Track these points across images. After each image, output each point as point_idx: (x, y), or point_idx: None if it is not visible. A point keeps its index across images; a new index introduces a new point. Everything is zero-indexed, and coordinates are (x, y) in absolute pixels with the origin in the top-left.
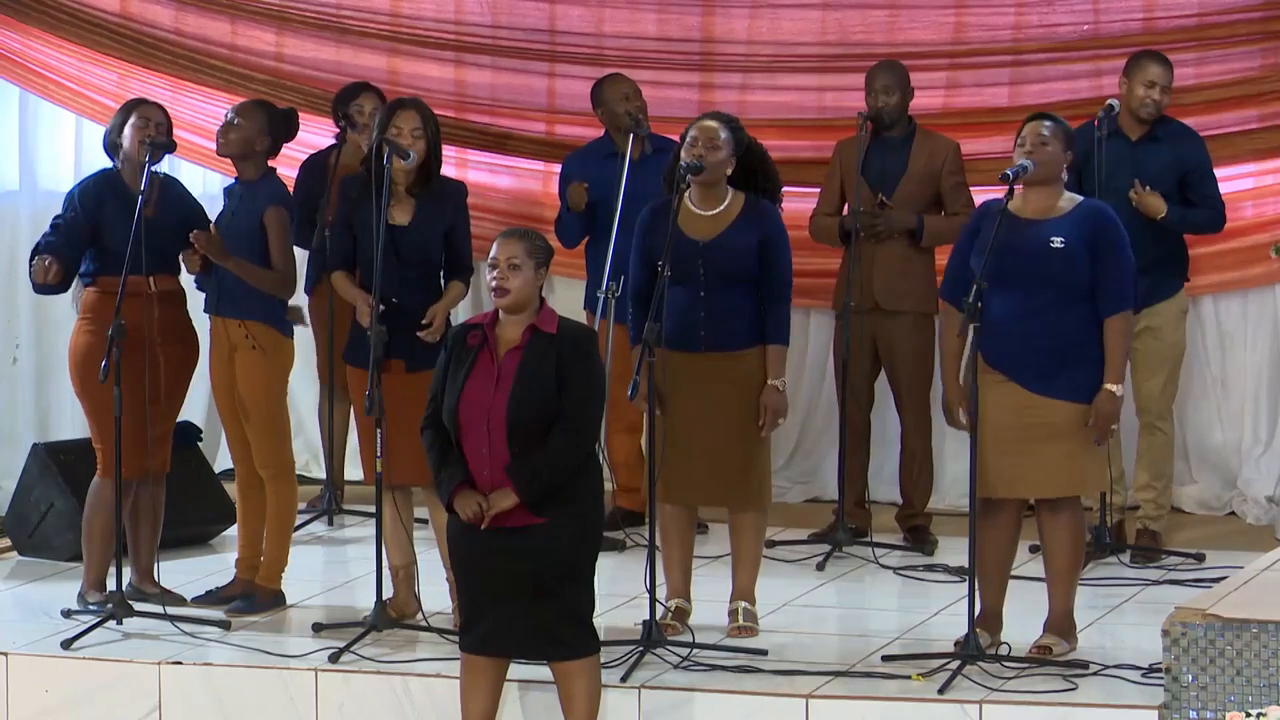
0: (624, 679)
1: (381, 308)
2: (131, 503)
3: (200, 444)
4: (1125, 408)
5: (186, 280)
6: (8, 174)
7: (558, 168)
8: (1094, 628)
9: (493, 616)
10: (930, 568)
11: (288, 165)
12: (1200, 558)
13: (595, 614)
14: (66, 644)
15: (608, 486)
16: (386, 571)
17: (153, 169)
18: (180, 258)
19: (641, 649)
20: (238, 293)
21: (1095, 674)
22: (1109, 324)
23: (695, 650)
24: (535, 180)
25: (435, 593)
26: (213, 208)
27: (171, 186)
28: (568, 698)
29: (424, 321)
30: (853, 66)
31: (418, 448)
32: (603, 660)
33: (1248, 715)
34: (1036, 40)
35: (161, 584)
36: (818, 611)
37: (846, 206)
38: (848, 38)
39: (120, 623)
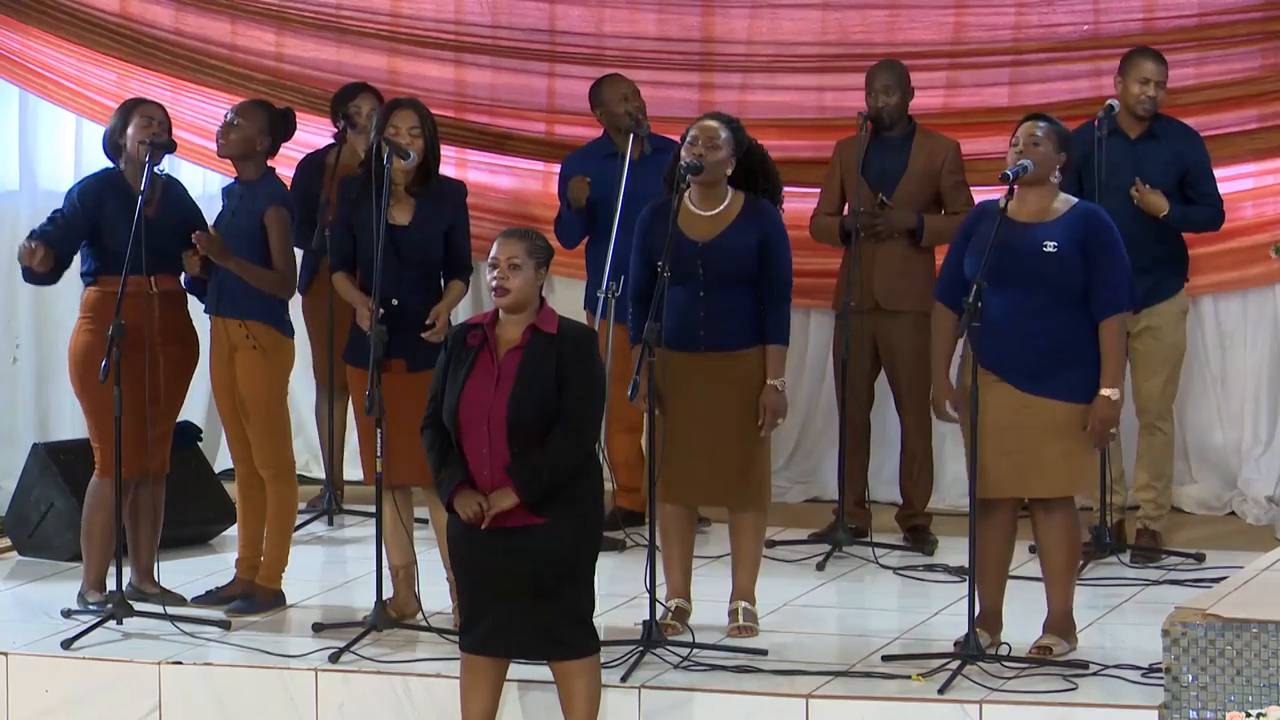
0: (624, 679)
1: (381, 310)
2: (131, 502)
3: (200, 444)
4: (1125, 408)
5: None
6: (8, 174)
7: (557, 168)
8: (1094, 628)
9: (493, 616)
10: (930, 568)
11: (284, 165)
12: (1200, 558)
13: (595, 614)
14: (66, 644)
15: (608, 486)
16: (386, 571)
17: (154, 169)
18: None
19: (641, 649)
20: (238, 293)
21: (1095, 674)
22: (1103, 327)
23: (695, 650)
24: (535, 180)
25: (435, 593)
26: (212, 208)
27: (172, 187)
28: (568, 698)
29: (428, 321)
30: (853, 66)
31: (418, 448)
32: (603, 660)
33: (1248, 715)
34: (1036, 40)
35: (161, 584)
36: (818, 611)
37: (846, 206)
38: (848, 38)
39: (120, 623)
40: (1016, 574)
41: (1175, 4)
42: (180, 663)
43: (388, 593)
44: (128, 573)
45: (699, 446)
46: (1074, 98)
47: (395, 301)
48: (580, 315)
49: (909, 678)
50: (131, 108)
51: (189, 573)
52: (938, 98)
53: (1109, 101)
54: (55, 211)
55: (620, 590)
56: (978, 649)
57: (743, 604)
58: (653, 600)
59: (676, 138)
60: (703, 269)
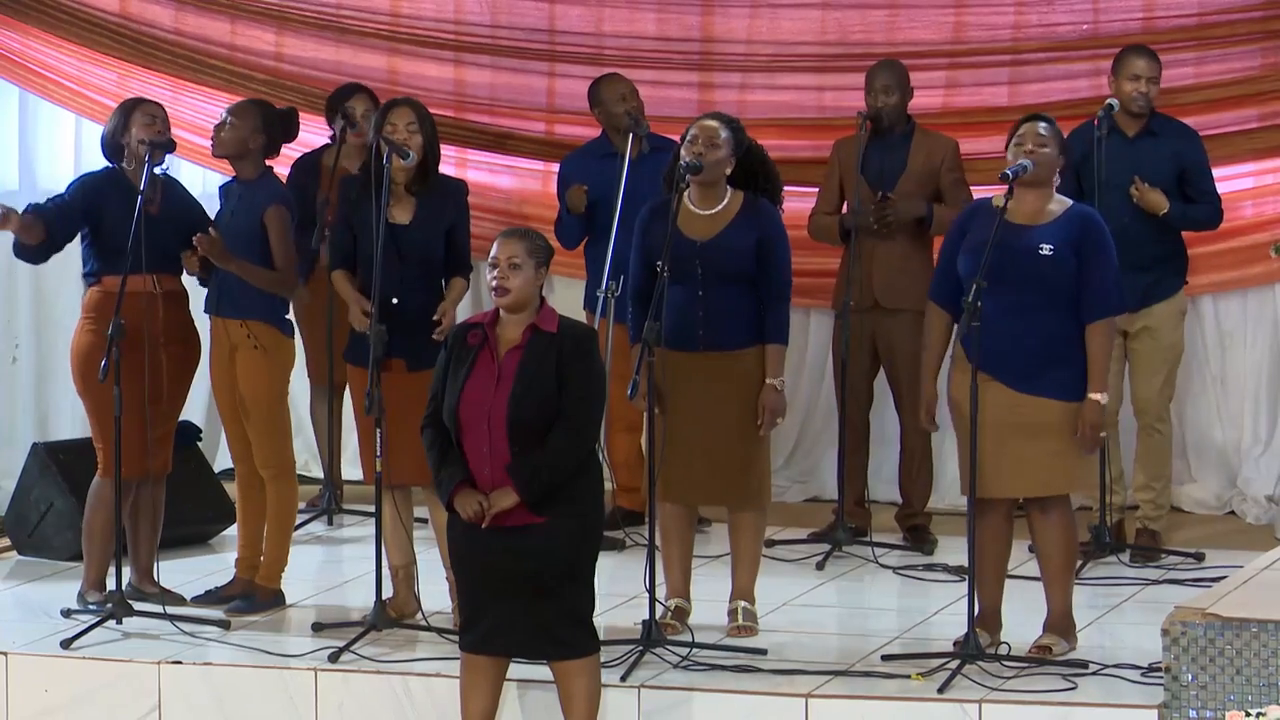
0: (624, 678)
1: (374, 310)
2: (131, 502)
3: (200, 444)
4: (1124, 408)
5: (189, 280)
6: (7, 174)
7: (557, 167)
8: (1093, 627)
9: (493, 616)
10: (930, 567)
11: (281, 165)
12: (1200, 557)
13: (595, 613)
14: (66, 644)
15: (608, 486)
16: (386, 571)
17: (155, 169)
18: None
19: (641, 648)
20: (238, 292)
21: (1095, 673)
22: (1091, 330)
23: (695, 650)
24: (535, 180)
25: (435, 592)
26: (211, 208)
27: (173, 187)
28: (567, 697)
29: (435, 318)
30: (852, 66)
31: (418, 447)
32: (603, 660)
33: (1248, 715)
34: (1036, 40)
35: (161, 584)
36: (817, 611)
37: (845, 205)
38: (847, 37)
39: (120, 622)
40: (1015, 574)
41: (1175, 4)
42: (180, 662)
43: (387, 592)
44: (127, 572)
45: (698, 446)
46: (1073, 97)
47: (395, 301)
48: (580, 315)
49: (908, 677)
50: (132, 107)
51: (189, 572)
52: (937, 97)
53: (1109, 101)
54: (54, 196)
55: (620, 590)
56: (977, 648)
57: (742, 603)
58: (652, 600)
59: (676, 137)
60: (701, 268)
